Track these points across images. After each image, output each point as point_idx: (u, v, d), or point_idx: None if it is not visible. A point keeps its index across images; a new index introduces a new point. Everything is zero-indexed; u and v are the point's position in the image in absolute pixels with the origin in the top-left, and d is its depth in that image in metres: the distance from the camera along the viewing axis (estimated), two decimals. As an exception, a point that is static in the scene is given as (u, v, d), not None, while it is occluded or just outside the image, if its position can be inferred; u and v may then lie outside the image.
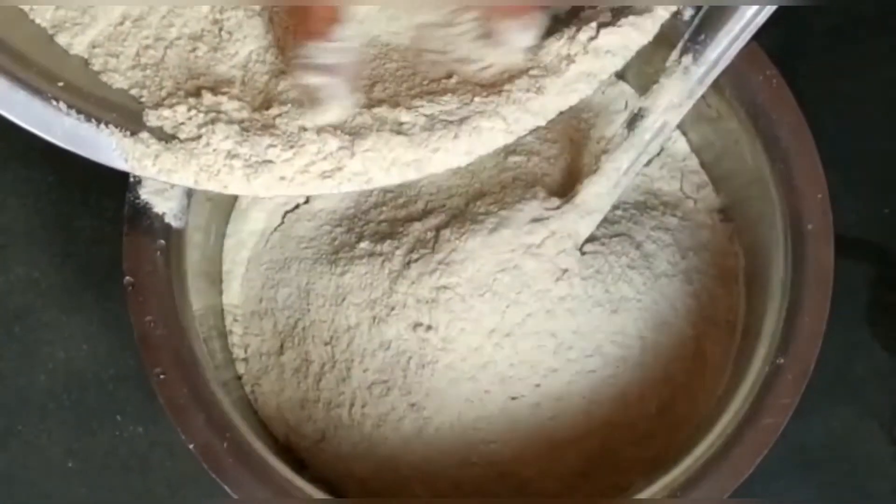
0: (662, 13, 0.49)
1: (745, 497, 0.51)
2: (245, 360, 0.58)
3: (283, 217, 0.60)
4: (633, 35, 0.49)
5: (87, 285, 0.66)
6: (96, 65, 0.47)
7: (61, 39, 0.47)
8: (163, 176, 0.46)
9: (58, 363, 0.65)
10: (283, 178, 0.46)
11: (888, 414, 0.63)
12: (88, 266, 0.66)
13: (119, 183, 0.52)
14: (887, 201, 0.66)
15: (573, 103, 0.48)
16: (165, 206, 0.52)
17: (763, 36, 0.51)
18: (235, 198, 0.60)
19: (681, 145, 0.61)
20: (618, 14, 0.49)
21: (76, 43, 0.47)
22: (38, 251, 0.66)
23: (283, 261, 0.58)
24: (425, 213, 0.57)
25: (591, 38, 0.48)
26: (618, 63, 0.49)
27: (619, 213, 0.57)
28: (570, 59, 0.48)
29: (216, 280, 0.59)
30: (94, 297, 0.65)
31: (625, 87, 0.61)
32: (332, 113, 0.47)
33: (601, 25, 0.49)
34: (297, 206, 0.60)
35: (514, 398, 0.54)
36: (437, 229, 0.56)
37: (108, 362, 0.65)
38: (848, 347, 0.64)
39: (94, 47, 0.47)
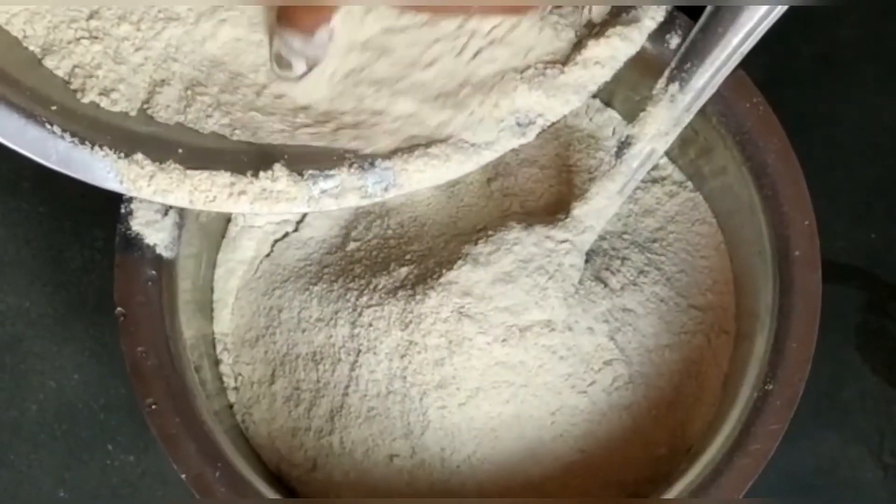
0: (649, 23, 0.50)
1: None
2: (236, 388, 0.58)
3: (273, 245, 0.60)
4: (620, 45, 0.49)
5: (77, 315, 0.66)
6: (74, 84, 0.47)
7: (49, 63, 0.47)
8: (158, 196, 0.46)
9: (49, 393, 0.65)
10: None
11: (876, 438, 0.64)
12: (79, 295, 0.66)
13: (109, 212, 0.53)
14: (874, 226, 0.67)
15: (565, 113, 0.49)
16: (156, 237, 0.52)
17: (749, 63, 0.51)
18: (226, 226, 0.60)
19: (671, 169, 0.61)
20: (605, 25, 0.50)
21: (63, 66, 0.48)
22: (29, 281, 0.66)
23: (273, 289, 0.58)
24: (416, 241, 0.57)
25: (580, 49, 0.49)
26: (606, 74, 0.49)
27: (610, 240, 0.57)
28: (559, 70, 0.49)
29: (207, 309, 0.59)
30: (85, 326, 0.65)
31: (613, 114, 0.62)
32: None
33: (589, 37, 0.49)
34: (286, 235, 0.60)
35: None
36: (429, 258, 0.56)
37: (99, 392, 0.64)
38: (836, 372, 0.64)
39: (75, 68, 0.48)
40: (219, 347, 0.58)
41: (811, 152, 0.55)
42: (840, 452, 0.64)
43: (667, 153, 0.57)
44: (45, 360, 0.65)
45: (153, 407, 0.50)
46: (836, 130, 0.68)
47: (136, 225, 0.52)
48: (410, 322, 0.53)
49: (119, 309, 0.51)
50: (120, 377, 0.50)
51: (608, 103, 0.62)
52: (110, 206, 0.53)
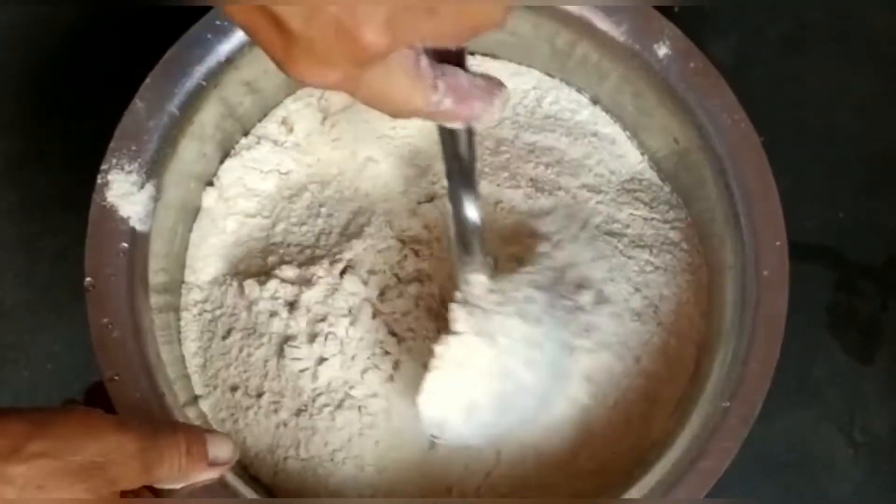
0: None
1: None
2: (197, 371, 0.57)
3: (244, 226, 0.59)
4: None
5: (50, 305, 0.66)
6: None
7: None
8: None
9: (22, 383, 0.65)
10: None
11: (847, 417, 0.64)
12: (51, 286, 0.66)
13: (81, 201, 0.52)
14: (842, 206, 0.67)
15: None
16: (131, 210, 0.52)
17: (716, 45, 0.51)
18: (199, 199, 0.59)
19: (650, 175, 0.60)
20: None
21: None
22: (1, 272, 0.66)
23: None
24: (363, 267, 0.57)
25: None
26: None
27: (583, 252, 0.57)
28: None
29: (177, 281, 0.58)
30: (58, 316, 0.65)
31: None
32: None
33: None
34: (256, 216, 0.59)
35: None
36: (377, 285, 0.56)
37: (73, 381, 0.64)
38: (807, 352, 0.65)
39: None
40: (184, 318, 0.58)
41: (778, 133, 0.56)
42: (812, 431, 0.64)
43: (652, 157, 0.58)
44: (18, 350, 0.65)
45: (115, 378, 0.49)
46: (803, 110, 0.68)
47: (112, 196, 0.52)
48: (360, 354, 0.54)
49: (88, 279, 0.51)
50: (93, 367, 0.50)
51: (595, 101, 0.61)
52: (82, 194, 0.52)
